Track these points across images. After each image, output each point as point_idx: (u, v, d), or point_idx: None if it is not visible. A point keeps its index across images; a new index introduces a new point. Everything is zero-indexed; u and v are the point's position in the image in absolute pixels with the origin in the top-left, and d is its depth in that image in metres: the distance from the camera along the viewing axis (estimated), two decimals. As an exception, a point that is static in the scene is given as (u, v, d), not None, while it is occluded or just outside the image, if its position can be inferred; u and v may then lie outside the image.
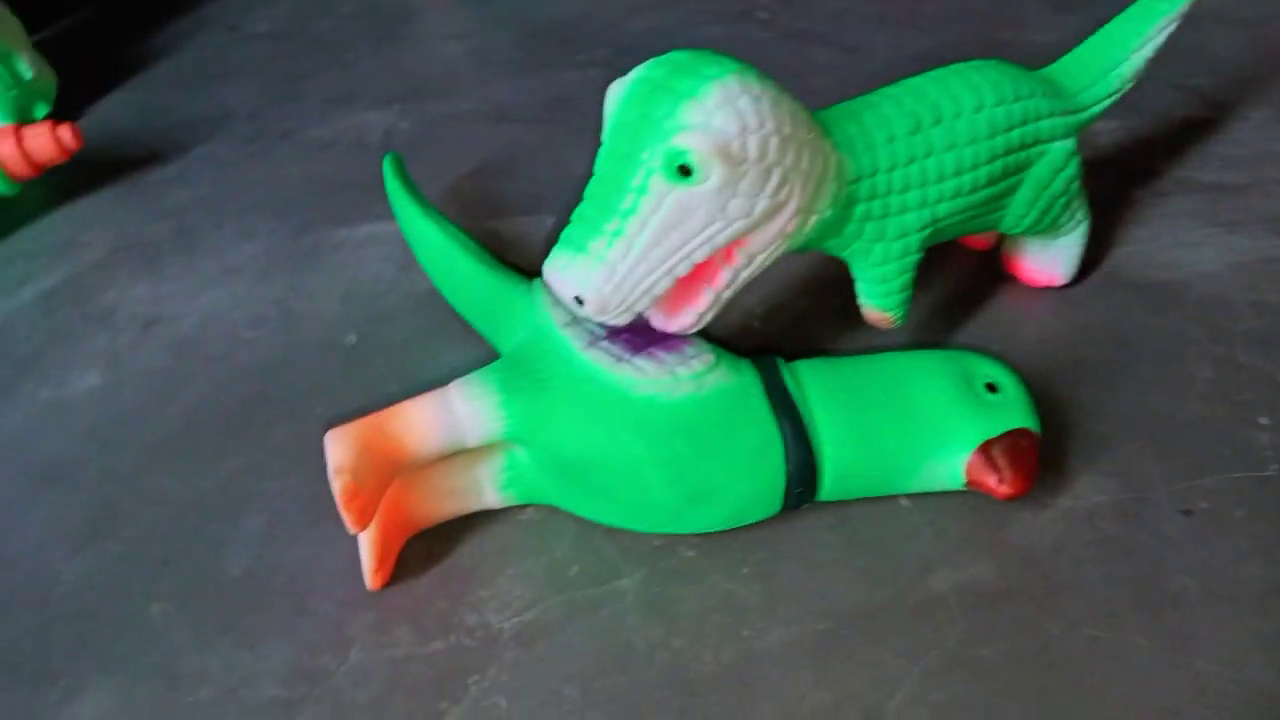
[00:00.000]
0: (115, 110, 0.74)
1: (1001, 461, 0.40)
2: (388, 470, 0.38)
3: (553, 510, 0.43)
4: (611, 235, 0.37)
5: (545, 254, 0.39)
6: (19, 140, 0.59)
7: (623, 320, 0.38)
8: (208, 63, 0.79)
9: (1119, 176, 0.61)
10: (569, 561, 0.42)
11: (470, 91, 0.75)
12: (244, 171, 0.67)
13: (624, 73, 0.38)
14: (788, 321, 0.53)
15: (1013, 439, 0.41)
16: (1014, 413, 0.41)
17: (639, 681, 0.38)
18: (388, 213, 0.60)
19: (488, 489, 0.42)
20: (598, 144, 0.38)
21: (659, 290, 0.38)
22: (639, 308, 0.38)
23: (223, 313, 0.55)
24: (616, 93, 0.38)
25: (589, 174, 0.39)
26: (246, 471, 0.46)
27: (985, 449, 0.40)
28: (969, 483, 0.41)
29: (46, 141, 0.59)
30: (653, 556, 0.42)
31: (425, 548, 0.42)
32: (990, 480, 0.40)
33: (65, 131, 0.60)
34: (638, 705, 0.37)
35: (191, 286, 0.57)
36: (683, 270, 0.38)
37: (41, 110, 0.69)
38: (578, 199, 0.38)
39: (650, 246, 0.37)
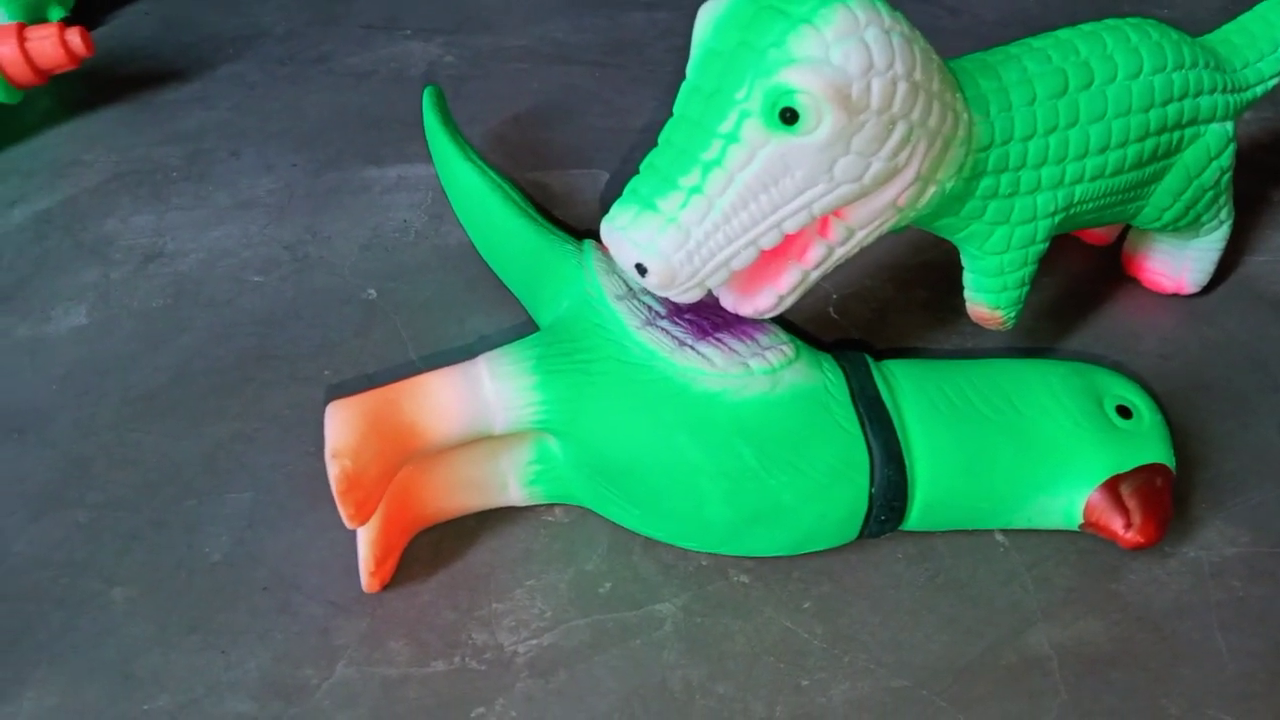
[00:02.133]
0: (138, 21, 0.67)
1: (1132, 503, 0.33)
2: (396, 456, 0.32)
3: (584, 513, 0.37)
4: (689, 192, 0.30)
5: (602, 212, 0.32)
6: (21, 41, 0.53)
7: (691, 297, 0.32)
8: (243, -23, 0.73)
9: (1258, 175, 0.53)
10: (600, 577, 0.35)
11: (525, 27, 0.67)
12: (270, 97, 0.60)
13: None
14: (867, 312, 0.46)
15: (1146, 476, 0.34)
16: (1150, 445, 0.34)
17: (675, 734, 0.31)
18: (423, 154, 0.54)
19: (511, 483, 0.36)
20: (664, 91, 0.32)
21: (738, 264, 0.31)
22: (712, 283, 0.31)
23: (230, 251, 0.49)
24: (710, 13, 0.31)
25: (662, 120, 0.32)
26: (237, 438, 0.40)
27: (1113, 486, 0.34)
28: (1087, 524, 0.34)
29: (52, 45, 0.53)
30: (699, 579, 0.35)
31: (433, 547, 0.36)
32: (1116, 525, 0.33)
33: (74, 35, 0.53)
34: (671, 765, 0.31)
35: (199, 220, 0.51)
36: (769, 241, 0.31)
37: (57, 14, 0.63)
38: (648, 147, 0.32)
39: (735, 209, 0.30)
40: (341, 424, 0.31)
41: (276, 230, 0.51)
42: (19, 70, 0.54)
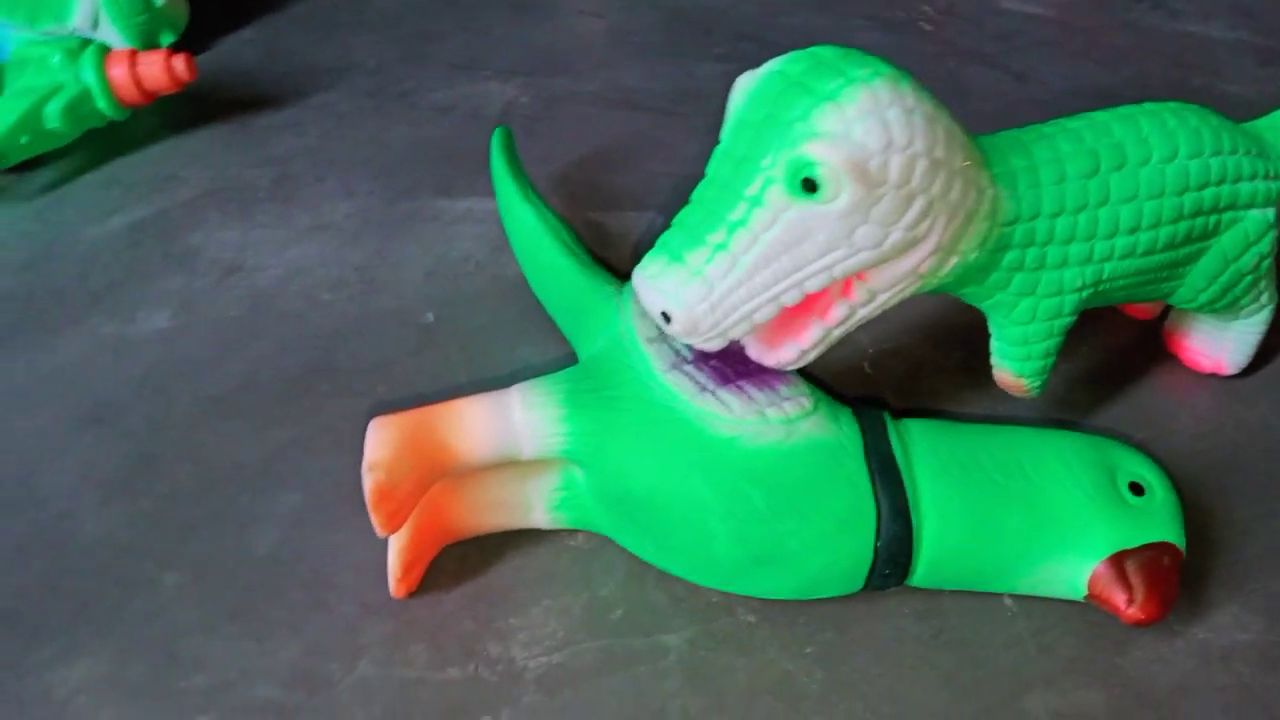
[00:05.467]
0: (241, 49, 0.72)
1: (1136, 579, 0.34)
2: (428, 473, 0.34)
3: (604, 541, 0.39)
4: (714, 248, 0.32)
5: (639, 257, 0.34)
6: (132, 64, 0.58)
7: (713, 346, 0.33)
8: (340, 10, 0.77)
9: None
10: (613, 603, 0.37)
11: (598, 72, 0.70)
12: (356, 127, 0.64)
13: None
14: (901, 370, 0.47)
15: (1153, 554, 0.34)
16: (1159, 523, 0.35)
17: (667, 761, 0.33)
18: (491, 189, 0.57)
19: (537, 507, 0.38)
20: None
21: (760, 318, 0.33)
22: (734, 334, 0.33)
23: (306, 270, 0.53)
24: (745, 85, 0.33)
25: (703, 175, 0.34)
26: (293, 444, 0.43)
27: (1118, 560, 0.34)
28: (1091, 596, 0.35)
29: (159, 69, 0.58)
30: (707, 614, 0.37)
31: (459, 560, 0.38)
32: (1118, 599, 0.34)
33: (179, 61, 0.58)
34: (661, 789, 0.32)
35: (280, 238, 0.55)
36: (791, 299, 0.33)
37: (168, 39, 0.68)
38: (685, 201, 0.34)
39: (757, 267, 0.32)
40: (380, 440, 0.33)
41: (349, 252, 0.54)
42: (128, 91, 0.58)
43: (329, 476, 0.42)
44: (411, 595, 0.37)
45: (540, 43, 0.74)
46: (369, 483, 0.33)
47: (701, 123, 0.64)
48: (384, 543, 0.37)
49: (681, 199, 0.34)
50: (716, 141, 0.34)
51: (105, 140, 0.61)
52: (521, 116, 0.65)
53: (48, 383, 0.46)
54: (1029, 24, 0.78)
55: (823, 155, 0.29)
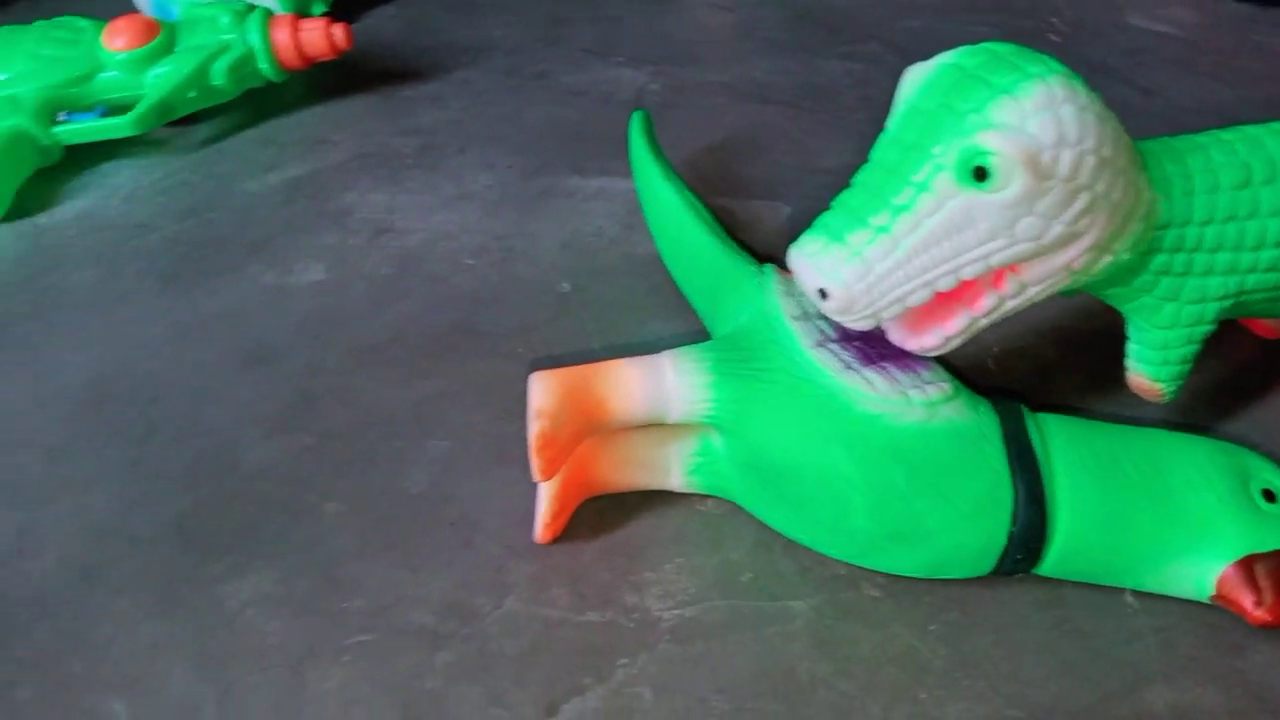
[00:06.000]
0: (385, 23, 0.76)
1: (1265, 582, 0.34)
2: (585, 426, 0.36)
3: (733, 509, 0.41)
4: (876, 230, 0.33)
5: (787, 242, 0.36)
6: (295, 30, 0.61)
7: (864, 325, 0.35)
8: (478, -7, 0.80)
9: None
10: (742, 567, 0.39)
11: (726, 65, 0.72)
12: (495, 104, 0.67)
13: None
14: (1027, 369, 0.48)
15: (1284, 560, 0.35)
16: (1292, 531, 0.35)
17: (795, 714, 0.34)
18: (622, 170, 0.59)
19: (674, 470, 0.40)
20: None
21: (913, 301, 0.34)
22: (885, 316, 0.35)
23: (450, 235, 0.56)
24: (916, 76, 0.34)
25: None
26: (440, 396, 0.46)
27: (1247, 563, 0.35)
28: (1217, 597, 0.35)
29: (320, 37, 0.61)
30: (833, 586, 0.38)
31: (597, 515, 0.40)
32: (1246, 600, 0.35)
33: (338, 30, 0.61)
34: (790, 741, 0.34)
35: (426, 204, 0.58)
36: (945, 285, 0.34)
37: (318, 9, 0.71)
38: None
39: (917, 251, 0.33)
40: (545, 390, 0.36)
41: (490, 222, 0.57)
42: (289, 55, 0.62)
43: (474, 428, 0.44)
44: (553, 542, 0.39)
45: (669, 33, 0.76)
46: (535, 429, 0.35)
47: (829, 118, 0.65)
48: (525, 491, 0.39)
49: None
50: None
51: (261, 101, 0.65)
52: (652, 103, 0.67)
53: (212, 323, 0.50)
54: (1157, 41, 0.77)
55: (998, 145, 0.30)
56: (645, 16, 0.78)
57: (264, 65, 0.62)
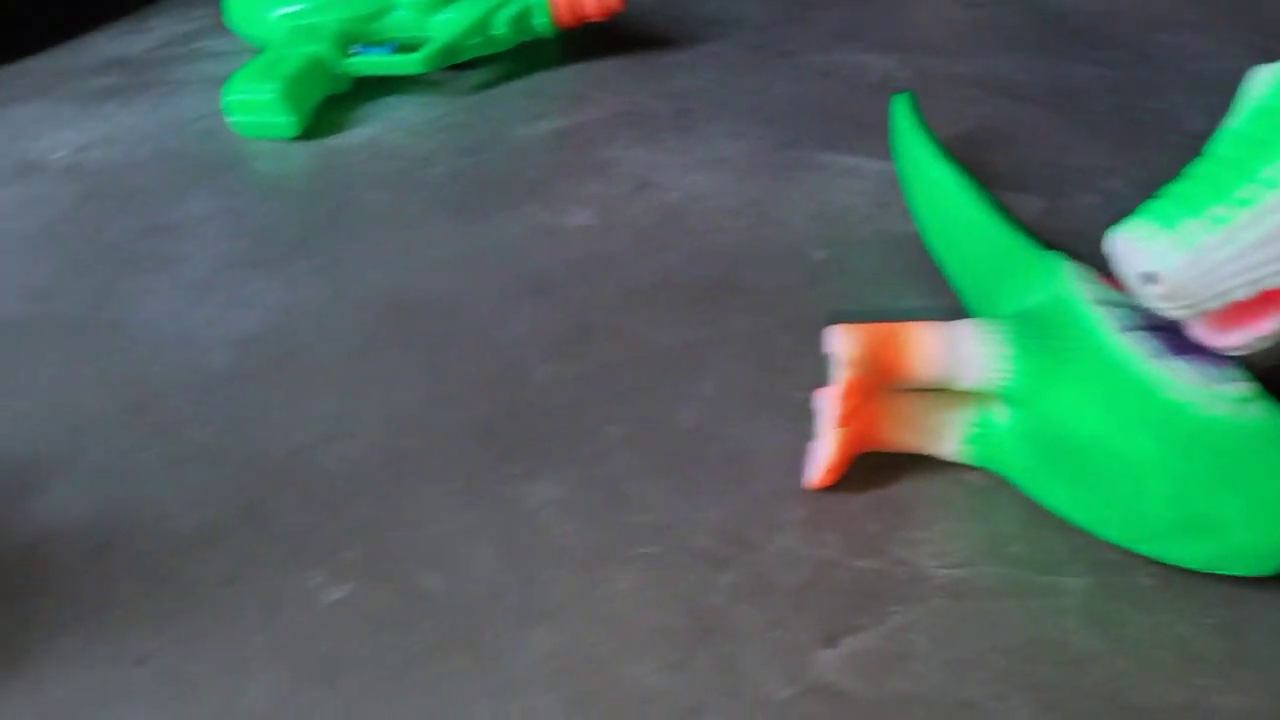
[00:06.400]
0: (639, -7, 0.79)
1: None
2: (883, 379, 0.38)
3: (998, 483, 0.41)
4: (1214, 220, 0.34)
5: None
6: (573, -10, 0.64)
7: (1182, 314, 0.35)
8: (724, -29, 0.82)
9: None
10: (1012, 539, 0.40)
11: (972, 58, 0.72)
12: (743, 76, 0.69)
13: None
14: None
15: None
16: None
17: (1072, 684, 0.35)
18: (873, 150, 0.60)
19: (949, 437, 0.41)
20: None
21: (1237, 296, 0.34)
22: (1207, 306, 0.35)
23: (706, 195, 0.58)
24: (1267, 76, 0.35)
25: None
26: (704, 343, 0.48)
27: None
28: None
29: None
30: (1105, 569, 0.39)
31: (866, 471, 0.42)
32: None
33: (614, -6, 0.64)
34: (1066, 706, 0.34)
35: (682, 164, 0.60)
36: (1273, 283, 0.34)
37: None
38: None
39: (1253, 247, 0.33)
40: (854, 342, 0.37)
41: (743, 186, 0.59)
42: (564, 13, 0.65)
43: (737, 377, 0.46)
44: (823, 490, 0.41)
45: (915, 24, 0.76)
46: (842, 377, 0.37)
47: (1081, 119, 0.65)
48: (789, 439, 0.42)
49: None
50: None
51: (529, 55, 0.69)
52: (899, 89, 0.68)
53: (494, 253, 0.53)
54: None
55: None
56: (890, 5, 0.79)
57: (540, 20, 0.65)
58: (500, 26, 0.64)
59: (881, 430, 0.41)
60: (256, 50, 0.68)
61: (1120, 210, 0.40)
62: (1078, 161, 0.61)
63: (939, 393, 0.40)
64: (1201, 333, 0.37)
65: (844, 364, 0.37)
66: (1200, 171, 0.35)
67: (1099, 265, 0.42)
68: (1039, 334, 0.39)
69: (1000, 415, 0.40)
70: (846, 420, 0.37)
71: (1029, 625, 0.37)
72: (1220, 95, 0.49)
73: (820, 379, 0.44)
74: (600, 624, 0.36)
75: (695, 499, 0.41)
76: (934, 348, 0.38)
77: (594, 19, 0.65)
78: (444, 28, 0.63)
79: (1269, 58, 0.75)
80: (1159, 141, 0.61)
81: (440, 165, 0.59)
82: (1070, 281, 0.41)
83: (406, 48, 0.64)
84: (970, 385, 0.39)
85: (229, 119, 0.61)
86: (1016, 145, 0.63)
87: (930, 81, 0.69)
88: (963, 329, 0.39)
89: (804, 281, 0.52)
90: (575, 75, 0.68)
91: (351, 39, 0.63)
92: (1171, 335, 0.38)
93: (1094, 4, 0.81)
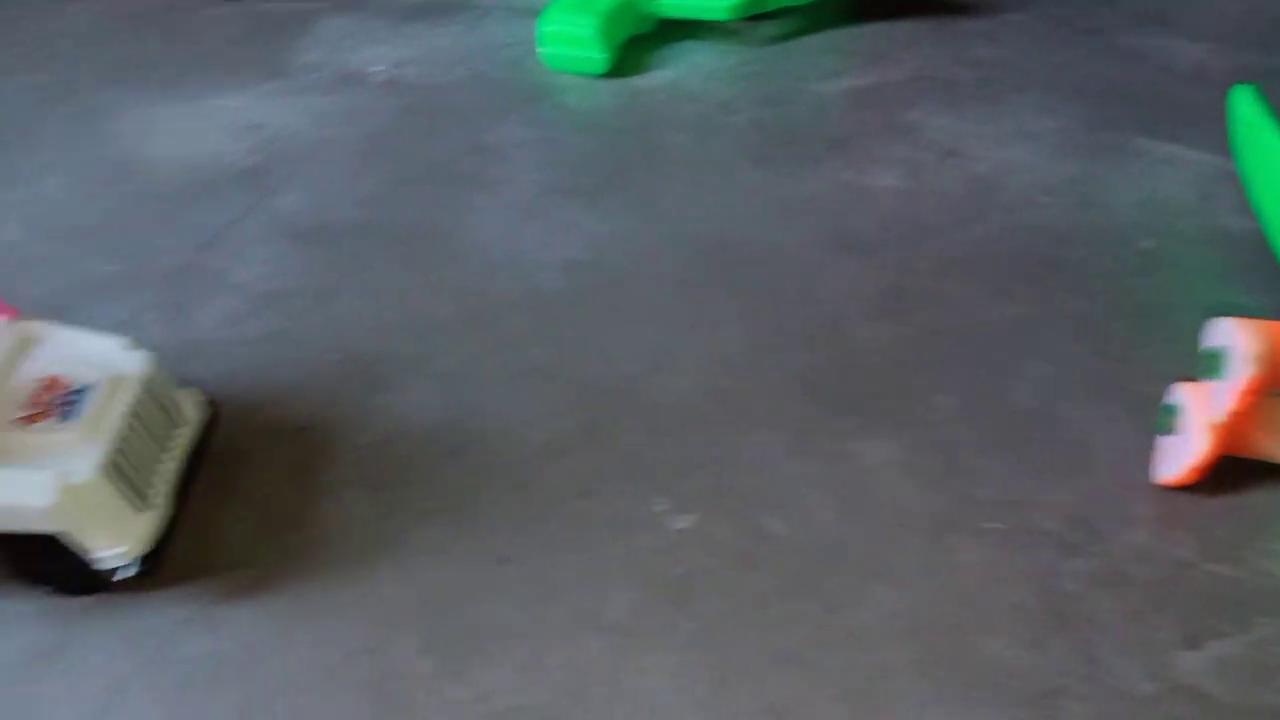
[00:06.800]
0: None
1: None
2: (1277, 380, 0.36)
3: (1367, 507, 0.39)
4: None
5: None
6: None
7: None
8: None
9: None
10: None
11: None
12: (1048, 51, 0.66)
13: None
14: None
15: None
16: None
17: None
18: (1194, 140, 0.57)
19: (1320, 451, 0.38)
20: None
21: None
22: None
23: (1017, 170, 0.56)
24: None
25: None
26: (1030, 321, 0.46)
27: None
28: None
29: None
30: None
31: (1221, 474, 0.40)
32: None
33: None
34: None
35: (990, 135, 0.58)
36: None
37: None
38: None
39: None
40: (1261, 339, 0.35)
41: (1057, 164, 0.56)
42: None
43: (1073, 360, 0.44)
44: (1173, 489, 0.39)
45: (1226, 13, 0.71)
46: (1247, 372, 0.35)
47: None
48: (1130, 430, 0.40)
49: None
50: None
51: (823, 11, 0.67)
52: (1213, 80, 0.64)
53: (804, 205, 0.53)
54: None
55: None
56: (1204, -8, 0.74)
57: (847, -25, 0.64)
58: (809, -22, 0.63)
59: (1249, 435, 0.39)
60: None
61: None
62: None
63: (1319, 403, 0.37)
64: None
65: (1247, 360, 0.35)
66: None
67: None
68: None
69: (1387, 435, 0.37)
70: (1241, 417, 0.35)
71: None
72: None
73: (1160, 371, 0.42)
74: (949, 592, 0.36)
75: (1038, 480, 0.39)
76: (1336, 354, 0.36)
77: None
78: (753, -25, 0.62)
79: None
80: None
81: (741, 113, 0.59)
82: None
83: (712, -8, 0.64)
84: (1367, 398, 0.36)
85: (540, 49, 0.62)
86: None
87: (1247, 74, 0.65)
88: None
89: (1133, 269, 0.50)
90: (871, 34, 0.67)
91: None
92: None
93: None
